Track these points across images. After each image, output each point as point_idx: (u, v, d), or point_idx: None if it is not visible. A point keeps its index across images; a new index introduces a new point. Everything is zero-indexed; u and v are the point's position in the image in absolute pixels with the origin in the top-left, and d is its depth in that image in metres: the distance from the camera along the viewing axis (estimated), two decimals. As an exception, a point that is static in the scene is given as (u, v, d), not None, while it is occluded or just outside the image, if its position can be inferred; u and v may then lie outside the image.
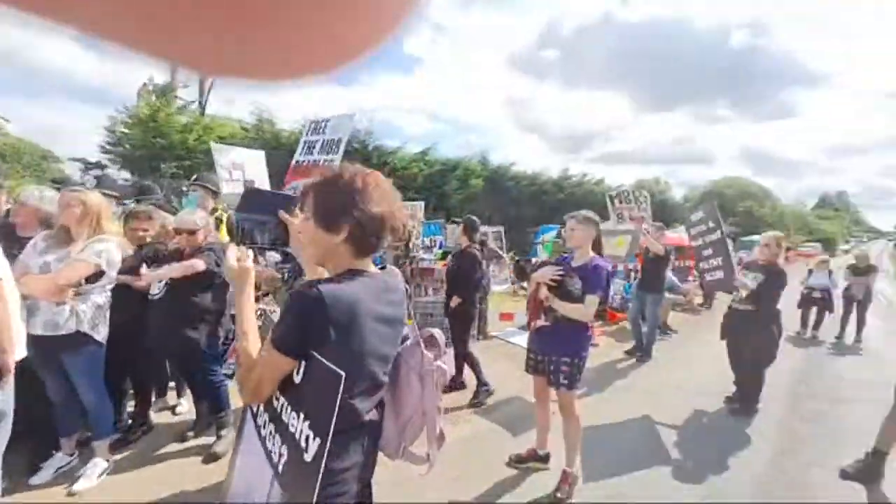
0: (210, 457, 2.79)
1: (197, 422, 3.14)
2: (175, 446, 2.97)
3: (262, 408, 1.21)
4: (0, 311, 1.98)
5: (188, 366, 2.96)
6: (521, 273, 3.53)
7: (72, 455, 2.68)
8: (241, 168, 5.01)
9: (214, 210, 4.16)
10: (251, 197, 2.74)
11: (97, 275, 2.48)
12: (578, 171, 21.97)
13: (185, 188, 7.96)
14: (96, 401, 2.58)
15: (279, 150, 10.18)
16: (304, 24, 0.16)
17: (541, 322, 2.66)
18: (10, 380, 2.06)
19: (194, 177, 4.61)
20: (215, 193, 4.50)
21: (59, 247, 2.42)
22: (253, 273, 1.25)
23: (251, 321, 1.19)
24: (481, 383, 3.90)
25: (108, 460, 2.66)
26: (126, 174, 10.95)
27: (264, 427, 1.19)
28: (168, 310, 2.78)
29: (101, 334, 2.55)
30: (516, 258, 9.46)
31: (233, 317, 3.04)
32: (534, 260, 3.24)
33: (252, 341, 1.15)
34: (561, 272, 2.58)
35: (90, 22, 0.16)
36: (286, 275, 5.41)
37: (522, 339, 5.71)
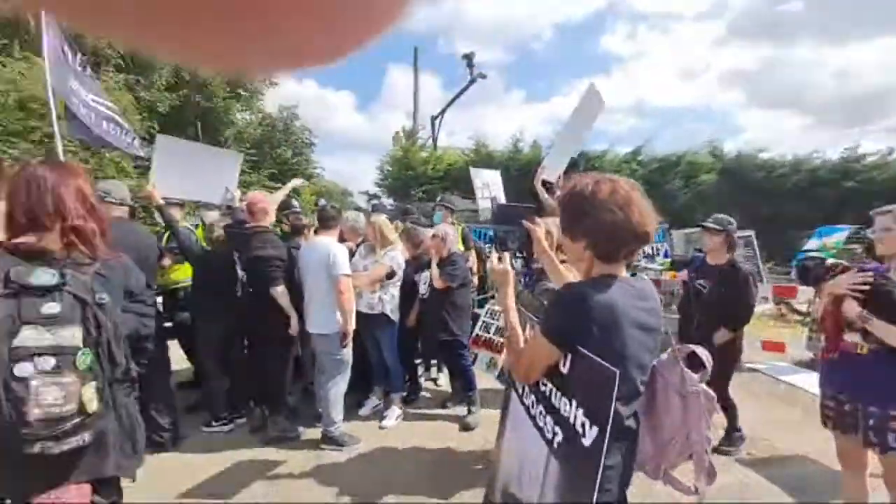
0: (464, 426, 3.31)
1: (452, 395, 3.75)
2: (438, 410, 3.64)
3: (527, 389, 1.34)
4: (347, 298, 2.89)
5: (447, 350, 3.57)
6: (812, 278, 2.25)
7: (380, 401, 3.63)
8: (489, 186, 5.79)
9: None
10: (502, 210, 3.12)
11: (391, 274, 3.32)
12: (870, 147, 15.34)
13: (432, 208, 9.68)
14: (393, 365, 3.44)
15: (493, 169, 11.23)
16: (304, 13, 0.16)
17: (851, 349, 1.88)
18: (349, 342, 2.99)
19: (438, 198, 5.59)
20: (452, 210, 5.28)
21: (371, 254, 3.37)
22: (512, 274, 1.44)
23: (515, 314, 1.36)
24: (733, 428, 3.05)
25: (400, 409, 3.48)
26: (390, 200, 14.00)
27: (533, 406, 1.31)
28: (433, 306, 3.44)
29: (395, 316, 3.39)
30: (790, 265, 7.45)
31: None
32: (829, 261, 2.13)
33: (517, 331, 1.32)
34: (876, 280, 1.82)
35: (92, 18, 0.15)
36: (523, 280, 5.93)
37: (802, 379, 4.37)
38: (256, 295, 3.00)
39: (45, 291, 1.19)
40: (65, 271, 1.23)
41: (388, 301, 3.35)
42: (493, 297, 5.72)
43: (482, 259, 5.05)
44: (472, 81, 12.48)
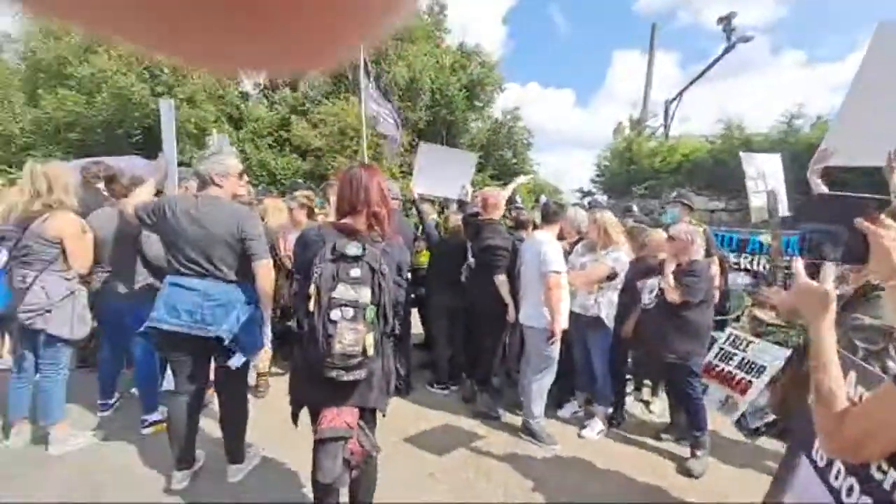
0: (684, 470, 2.77)
1: (671, 427, 3.21)
2: (649, 440, 3.18)
3: (842, 469, 0.98)
4: (556, 296, 2.82)
5: (673, 374, 3.06)
6: None
7: (580, 407, 3.45)
8: (764, 177, 4.61)
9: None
10: (817, 203, 2.34)
11: (612, 276, 3.05)
12: None
13: (662, 206, 8.52)
14: (602, 374, 3.19)
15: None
16: (302, 13, 0.15)
17: None
18: (557, 340, 2.91)
19: (674, 194, 4.78)
20: (691, 208, 4.46)
21: (591, 252, 3.18)
22: (833, 297, 1.03)
23: (832, 350, 0.97)
24: None
25: (604, 423, 3.21)
26: (605, 197, 13.09)
27: (848, 495, 0.96)
28: (660, 320, 2.98)
29: (611, 322, 3.12)
30: None
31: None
32: None
33: (835, 376, 0.94)
34: None
35: (89, 17, 0.15)
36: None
37: None
38: (481, 280, 3.29)
39: (353, 259, 1.57)
40: (365, 245, 1.60)
41: (605, 304, 3.10)
42: (735, 318, 4.60)
43: (725, 270, 4.13)
44: (731, 47, 10.20)
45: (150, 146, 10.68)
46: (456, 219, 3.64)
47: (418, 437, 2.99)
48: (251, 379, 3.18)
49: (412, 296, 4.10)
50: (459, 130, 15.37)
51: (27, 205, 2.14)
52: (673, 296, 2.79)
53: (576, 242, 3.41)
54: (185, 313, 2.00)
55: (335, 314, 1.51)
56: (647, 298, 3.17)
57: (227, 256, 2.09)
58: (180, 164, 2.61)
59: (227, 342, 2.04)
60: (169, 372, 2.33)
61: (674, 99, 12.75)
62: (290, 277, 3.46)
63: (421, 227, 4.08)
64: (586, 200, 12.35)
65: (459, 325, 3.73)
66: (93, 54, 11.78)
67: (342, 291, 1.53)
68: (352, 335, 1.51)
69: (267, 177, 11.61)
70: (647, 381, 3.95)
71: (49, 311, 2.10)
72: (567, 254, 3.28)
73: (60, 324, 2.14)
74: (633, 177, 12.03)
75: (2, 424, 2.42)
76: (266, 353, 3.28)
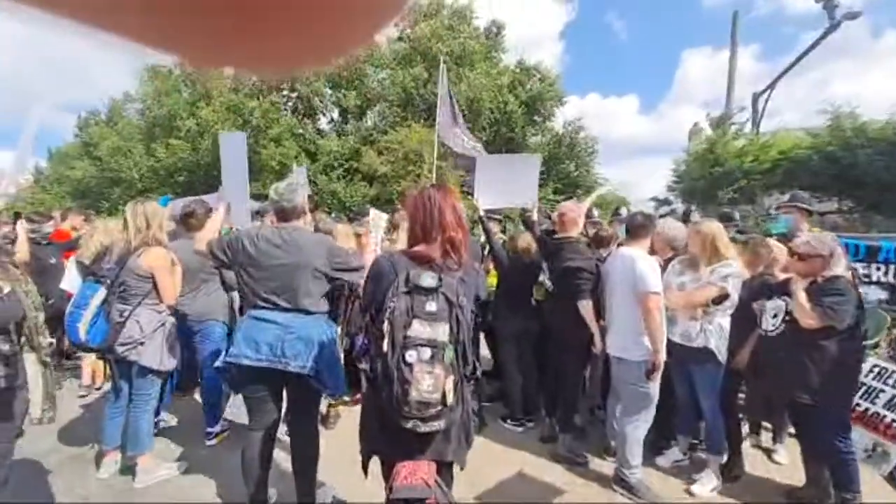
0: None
1: (807, 487, 2.56)
2: (779, 499, 2.55)
3: None
4: (657, 321, 2.40)
5: (808, 419, 2.45)
6: None
7: (684, 455, 2.90)
8: None
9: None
10: None
11: (722, 298, 2.54)
12: None
13: (766, 212, 7.48)
14: (712, 416, 2.65)
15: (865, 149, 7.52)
16: (304, 11, 0.15)
17: None
18: (658, 375, 2.47)
19: (787, 196, 4.04)
20: (809, 213, 3.74)
21: (691, 269, 2.69)
22: None
23: None
24: None
25: (717, 478, 2.64)
26: (684, 205, 11.88)
27: None
28: (788, 349, 2.42)
29: (722, 354, 2.59)
30: None
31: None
32: None
33: None
34: None
35: (87, 14, 0.15)
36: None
37: None
38: (561, 305, 2.93)
39: (429, 292, 1.39)
40: (441, 275, 1.42)
41: (714, 332, 2.59)
42: (874, 346, 3.70)
43: (855, 285, 3.37)
44: (835, 26, 8.86)
45: (239, 183, 11.82)
46: (525, 238, 3.33)
47: (492, 492, 2.60)
48: (321, 407, 3.11)
49: (479, 320, 3.84)
50: (520, 146, 15.14)
51: (127, 242, 2.28)
52: (808, 321, 2.23)
53: (669, 259, 2.93)
54: (266, 346, 1.91)
55: (410, 355, 1.33)
56: (770, 324, 2.60)
57: (313, 287, 2.01)
58: (264, 195, 2.67)
59: (310, 378, 1.95)
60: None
61: (763, 91, 11.38)
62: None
63: (488, 248, 3.83)
64: (662, 209, 11.27)
65: (530, 351, 3.39)
66: (197, 108, 13.45)
67: (418, 329, 1.35)
68: (429, 380, 1.32)
69: (336, 204, 12.21)
70: (766, 424, 3.26)
71: (142, 344, 2.19)
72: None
73: (151, 356, 2.21)
74: (719, 180, 10.74)
75: (96, 454, 2.54)
76: None
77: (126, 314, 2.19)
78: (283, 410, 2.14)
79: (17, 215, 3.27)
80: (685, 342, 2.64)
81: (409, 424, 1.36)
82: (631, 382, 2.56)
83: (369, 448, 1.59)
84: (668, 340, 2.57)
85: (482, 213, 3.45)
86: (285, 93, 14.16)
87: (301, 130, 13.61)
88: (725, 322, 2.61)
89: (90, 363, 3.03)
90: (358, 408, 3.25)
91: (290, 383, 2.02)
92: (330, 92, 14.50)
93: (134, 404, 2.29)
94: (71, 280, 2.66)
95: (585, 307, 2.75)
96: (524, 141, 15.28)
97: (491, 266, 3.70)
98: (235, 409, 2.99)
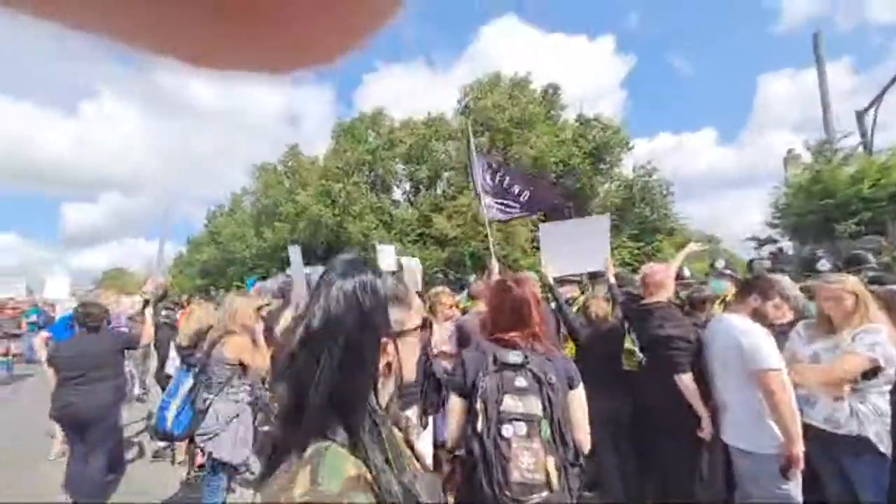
0: None
1: None
2: None
3: None
4: (785, 404, 1.86)
5: None
6: None
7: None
8: None
9: None
10: None
11: (874, 371, 1.92)
12: None
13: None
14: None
15: None
16: (302, 13, 0.15)
17: None
18: (798, 473, 1.87)
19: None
20: None
21: (823, 337, 2.11)
22: None
23: None
24: None
25: None
26: (791, 243, 10.20)
27: None
28: None
29: (885, 444, 1.91)
30: None
31: None
32: None
33: None
34: None
35: (79, 16, 0.14)
36: None
37: None
38: (654, 380, 2.46)
39: (516, 368, 1.39)
40: (527, 354, 1.43)
41: (869, 416, 1.93)
42: None
43: None
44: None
45: (330, 255, 12.94)
46: (601, 305, 2.94)
47: None
48: None
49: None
50: (588, 196, 14.67)
51: (215, 329, 2.44)
52: None
53: (791, 323, 2.34)
54: None
55: (506, 429, 1.29)
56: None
57: None
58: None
59: None
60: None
61: (868, 108, 9.84)
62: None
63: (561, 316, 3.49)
64: (765, 249, 9.65)
65: (625, 433, 2.84)
66: (296, 195, 15.40)
67: (510, 404, 1.33)
68: (529, 457, 1.26)
69: (414, 269, 12.64)
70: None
71: (217, 435, 2.22)
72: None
73: (223, 447, 2.23)
74: (832, 213, 9.09)
75: None
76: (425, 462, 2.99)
77: (208, 403, 2.27)
78: None
79: (146, 303, 3.75)
80: (832, 429, 2.00)
81: None
82: (762, 482, 1.96)
83: None
84: (807, 426, 1.97)
85: (551, 282, 3.18)
86: (365, 173, 15.66)
87: (379, 204, 14.75)
88: (883, 402, 1.94)
89: (184, 449, 3.18)
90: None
91: None
92: (402, 167, 15.72)
93: (208, 490, 2.29)
94: (171, 363, 2.94)
95: (685, 383, 2.25)
96: (591, 190, 14.81)
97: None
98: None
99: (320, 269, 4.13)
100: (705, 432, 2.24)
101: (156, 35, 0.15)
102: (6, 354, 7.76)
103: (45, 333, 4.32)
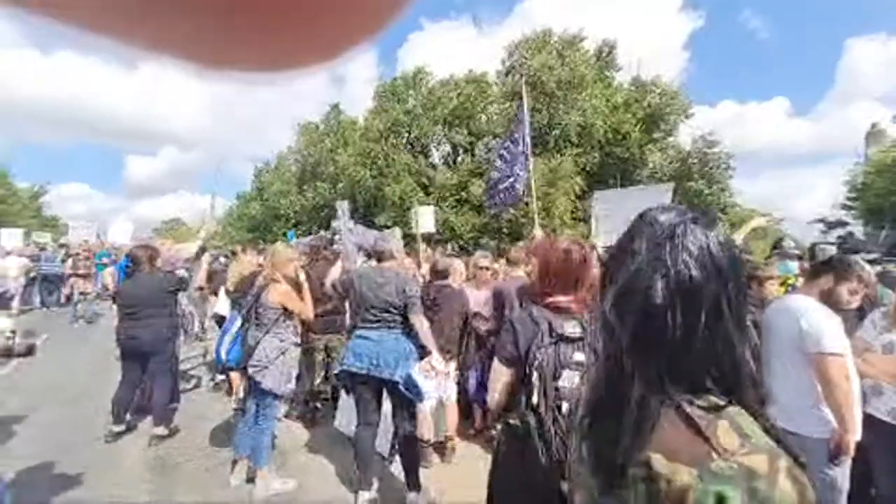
0: None
1: None
2: None
3: None
4: (842, 392, 1.72)
5: None
6: None
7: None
8: None
9: None
10: None
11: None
12: None
13: None
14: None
15: None
16: (303, 10, 0.15)
17: None
18: (848, 460, 1.76)
19: None
20: None
21: (899, 324, 1.90)
22: None
23: None
24: None
25: None
26: (864, 228, 9.21)
27: None
28: None
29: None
30: None
31: None
32: None
33: None
34: None
35: (73, 15, 0.14)
36: None
37: None
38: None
39: (574, 341, 1.31)
40: (584, 325, 1.33)
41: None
42: None
43: None
44: None
45: (368, 215, 13.15)
46: None
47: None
48: (440, 437, 3.14)
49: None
50: (636, 165, 13.77)
51: (262, 277, 2.58)
52: None
53: (859, 309, 2.12)
54: (366, 358, 2.38)
55: (565, 407, 1.25)
56: None
57: (396, 313, 2.46)
58: (385, 226, 3.02)
59: (400, 385, 2.33)
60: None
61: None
62: (480, 340, 3.25)
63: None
64: (835, 234, 8.77)
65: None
66: (336, 155, 15.57)
67: (567, 378, 1.27)
68: None
69: (448, 232, 12.60)
70: None
71: (266, 368, 2.39)
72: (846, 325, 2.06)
73: (272, 379, 2.41)
74: (921, 195, 8.04)
75: (231, 460, 2.77)
76: (453, 413, 3.13)
77: (257, 340, 2.43)
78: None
79: (202, 249, 4.00)
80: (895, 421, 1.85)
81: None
82: (810, 467, 1.86)
83: None
84: (869, 417, 1.83)
85: (599, 252, 3.05)
86: (403, 135, 15.47)
87: (417, 167, 14.62)
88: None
89: (237, 381, 3.46)
90: (471, 444, 3.15)
91: (389, 389, 2.44)
92: (441, 128, 15.36)
93: (256, 421, 2.50)
94: (221, 306, 3.16)
95: None
96: (642, 160, 13.87)
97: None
98: (344, 420, 3.17)
99: (361, 227, 4.17)
100: None
101: (155, 36, 0.15)
102: (84, 293, 8.64)
103: (111, 269, 4.76)
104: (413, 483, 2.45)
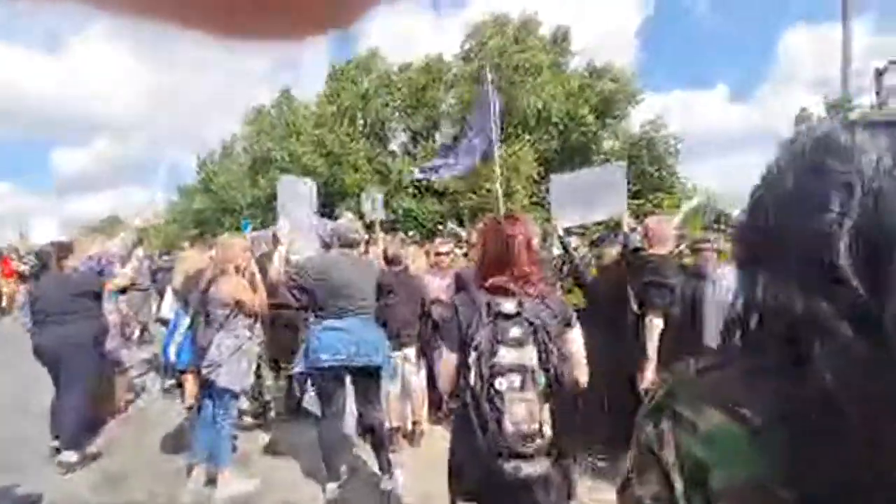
0: None
1: None
2: None
3: None
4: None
5: None
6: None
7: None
8: None
9: None
10: None
11: None
12: None
13: None
14: None
15: None
16: None
17: None
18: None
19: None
20: None
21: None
22: None
23: None
24: None
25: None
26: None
27: None
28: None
29: None
30: None
31: None
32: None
33: None
34: None
35: None
36: None
37: None
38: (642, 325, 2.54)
39: (510, 318, 1.35)
40: (521, 300, 1.37)
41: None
42: None
43: None
44: None
45: (325, 205, 12.74)
46: (611, 253, 2.95)
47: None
48: (407, 425, 3.21)
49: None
50: (592, 151, 14.28)
51: (209, 271, 2.45)
52: None
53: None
54: (343, 348, 2.33)
55: (500, 383, 1.28)
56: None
57: (369, 298, 2.52)
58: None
59: (381, 370, 2.42)
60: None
61: (886, 68, 9.38)
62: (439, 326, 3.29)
63: (569, 264, 3.48)
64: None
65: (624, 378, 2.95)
66: (287, 142, 14.88)
67: (504, 355, 1.31)
68: (522, 408, 1.26)
69: (411, 221, 12.51)
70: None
71: (220, 366, 2.30)
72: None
73: (227, 377, 2.32)
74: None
75: (187, 465, 2.65)
76: (421, 398, 3.17)
77: (209, 339, 2.33)
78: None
79: (139, 241, 3.69)
80: None
81: (511, 466, 1.24)
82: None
83: (462, 490, 1.44)
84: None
85: (560, 233, 3.15)
86: (358, 121, 15.03)
87: (372, 155, 14.31)
88: None
89: (190, 384, 3.29)
90: (440, 428, 3.20)
91: (362, 376, 2.45)
92: (397, 115, 15.06)
93: (215, 421, 2.41)
94: (167, 306, 2.98)
95: (650, 324, 2.33)
96: (597, 147, 14.39)
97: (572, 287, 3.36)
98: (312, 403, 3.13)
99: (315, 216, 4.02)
100: (645, 380, 2.35)
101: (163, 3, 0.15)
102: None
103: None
104: (384, 467, 2.49)
